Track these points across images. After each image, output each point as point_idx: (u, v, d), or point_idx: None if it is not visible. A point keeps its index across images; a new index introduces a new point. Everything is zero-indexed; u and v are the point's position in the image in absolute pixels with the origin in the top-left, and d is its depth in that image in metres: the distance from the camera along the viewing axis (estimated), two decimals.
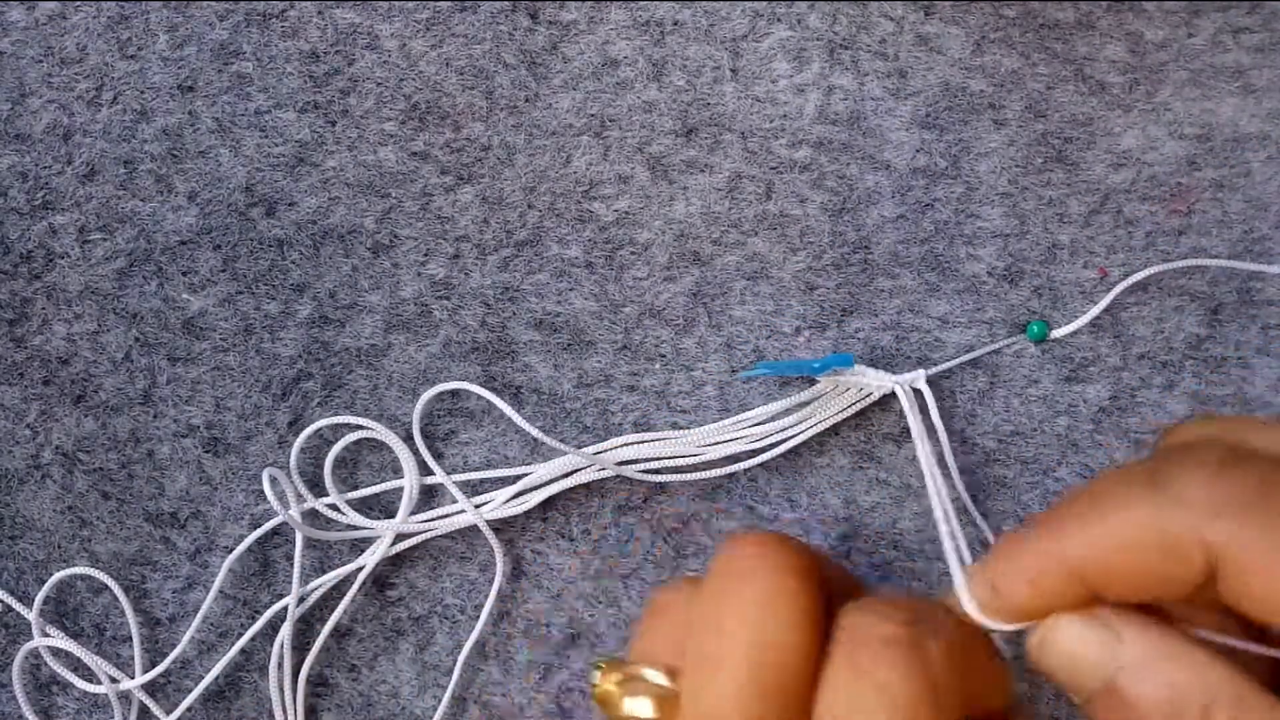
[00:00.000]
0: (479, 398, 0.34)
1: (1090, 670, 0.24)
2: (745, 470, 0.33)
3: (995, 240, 0.33)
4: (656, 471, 0.33)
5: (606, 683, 0.27)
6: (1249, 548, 0.22)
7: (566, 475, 0.33)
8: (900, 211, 0.33)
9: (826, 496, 0.33)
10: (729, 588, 0.25)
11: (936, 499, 0.30)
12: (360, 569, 0.34)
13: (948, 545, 0.28)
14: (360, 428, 0.34)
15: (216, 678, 0.34)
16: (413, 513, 0.34)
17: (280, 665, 0.34)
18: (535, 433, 0.31)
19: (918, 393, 0.32)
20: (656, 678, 0.26)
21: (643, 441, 0.33)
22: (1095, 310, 0.32)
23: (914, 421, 0.31)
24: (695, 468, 0.33)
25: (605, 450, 0.33)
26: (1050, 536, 0.24)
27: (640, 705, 0.26)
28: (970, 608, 0.26)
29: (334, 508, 0.34)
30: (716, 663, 0.24)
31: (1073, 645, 0.24)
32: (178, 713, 0.34)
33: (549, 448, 0.34)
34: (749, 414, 0.33)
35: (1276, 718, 0.22)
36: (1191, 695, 0.23)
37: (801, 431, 0.33)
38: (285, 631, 0.33)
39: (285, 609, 0.34)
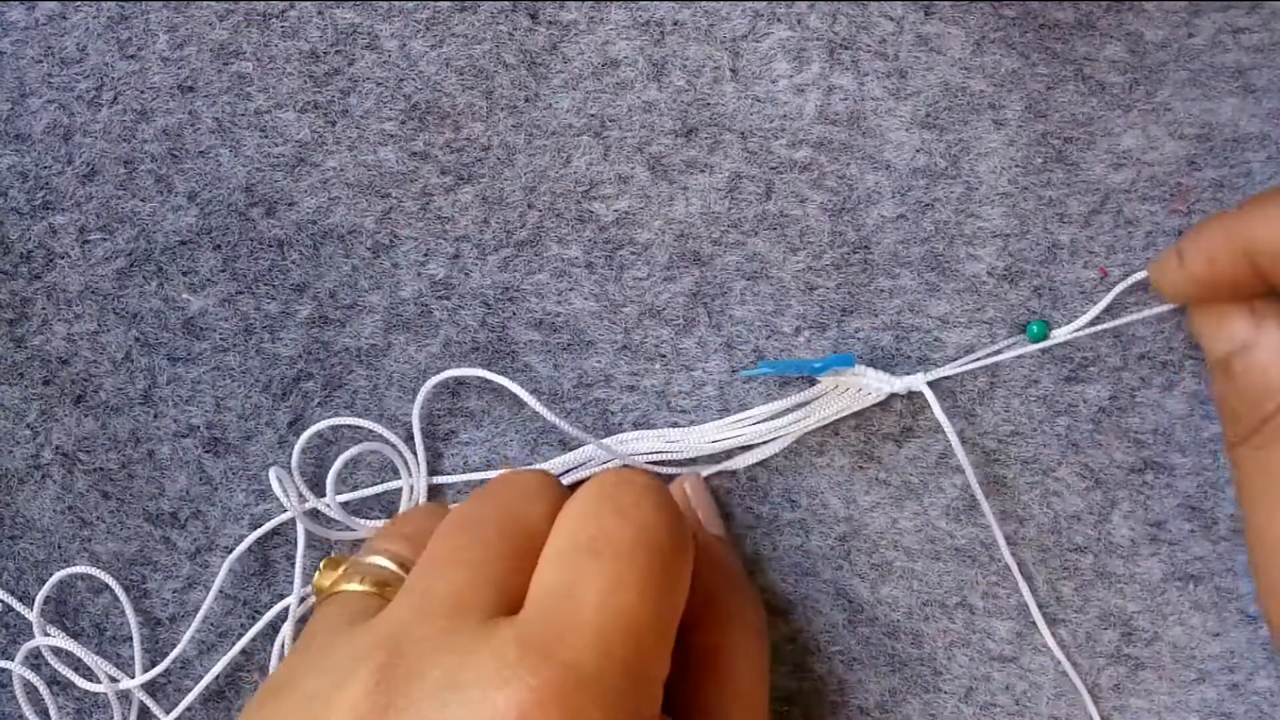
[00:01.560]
0: (479, 398, 0.34)
1: (1222, 338, 0.28)
2: (746, 470, 0.33)
3: (995, 240, 0.33)
4: (671, 464, 0.33)
5: (325, 577, 0.27)
6: None
7: (578, 467, 0.33)
8: (900, 211, 0.33)
9: (826, 496, 0.33)
10: (486, 490, 0.26)
11: (973, 478, 0.30)
12: None
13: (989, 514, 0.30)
14: (360, 429, 0.34)
15: (216, 678, 0.34)
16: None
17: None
18: (555, 419, 0.31)
19: (916, 395, 0.32)
20: (381, 561, 0.26)
21: (647, 440, 0.33)
22: (1095, 310, 0.32)
23: (940, 415, 0.31)
24: (707, 459, 0.33)
25: (620, 444, 0.33)
26: (1236, 219, 0.27)
27: (355, 585, 0.26)
28: (1166, 271, 0.29)
29: (333, 507, 0.34)
30: (466, 524, 0.25)
31: (1219, 315, 0.28)
32: (177, 712, 0.34)
33: (548, 448, 0.34)
34: (749, 413, 0.33)
35: None
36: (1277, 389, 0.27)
37: (804, 427, 0.33)
38: (286, 631, 0.33)
39: (286, 609, 0.34)
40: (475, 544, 0.24)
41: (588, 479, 0.33)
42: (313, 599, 0.34)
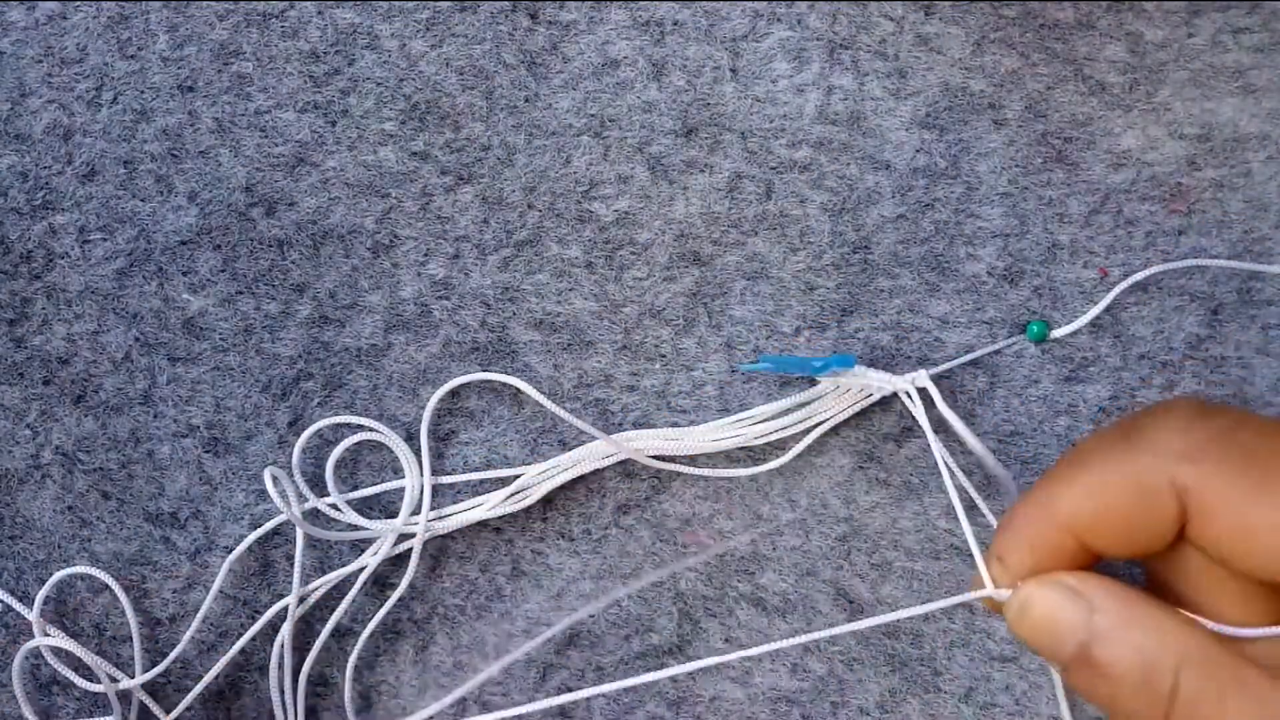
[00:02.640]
0: (479, 398, 0.34)
1: (1065, 638, 0.25)
2: (744, 468, 0.33)
3: (995, 240, 0.33)
4: (677, 459, 0.33)
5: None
6: (1214, 488, 0.24)
7: (569, 468, 0.33)
8: (900, 211, 0.33)
9: (826, 496, 0.33)
10: None
11: (952, 489, 0.30)
12: (361, 569, 0.34)
13: (968, 532, 0.28)
14: (361, 428, 0.34)
15: (216, 677, 0.34)
16: (413, 513, 0.34)
17: (280, 665, 0.34)
18: (568, 417, 0.31)
19: (923, 391, 0.32)
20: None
21: (647, 438, 0.33)
22: (1095, 310, 0.32)
23: (922, 418, 0.31)
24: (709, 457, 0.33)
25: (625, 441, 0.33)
26: (1039, 498, 0.26)
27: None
28: (989, 587, 0.26)
29: (335, 507, 0.34)
30: None
31: (1047, 614, 0.25)
32: (176, 712, 0.34)
33: (548, 448, 0.34)
34: (750, 412, 0.33)
35: (1244, 675, 0.23)
36: (1163, 659, 0.23)
37: (808, 429, 0.33)
38: (285, 631, 0.33)
39: (285, 609, 0.34)
40: None
41: (589, 474, 0.34)
42: (316, 593, 0.34)
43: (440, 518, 0.34)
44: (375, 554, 0.34)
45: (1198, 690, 0.23)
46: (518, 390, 0.34)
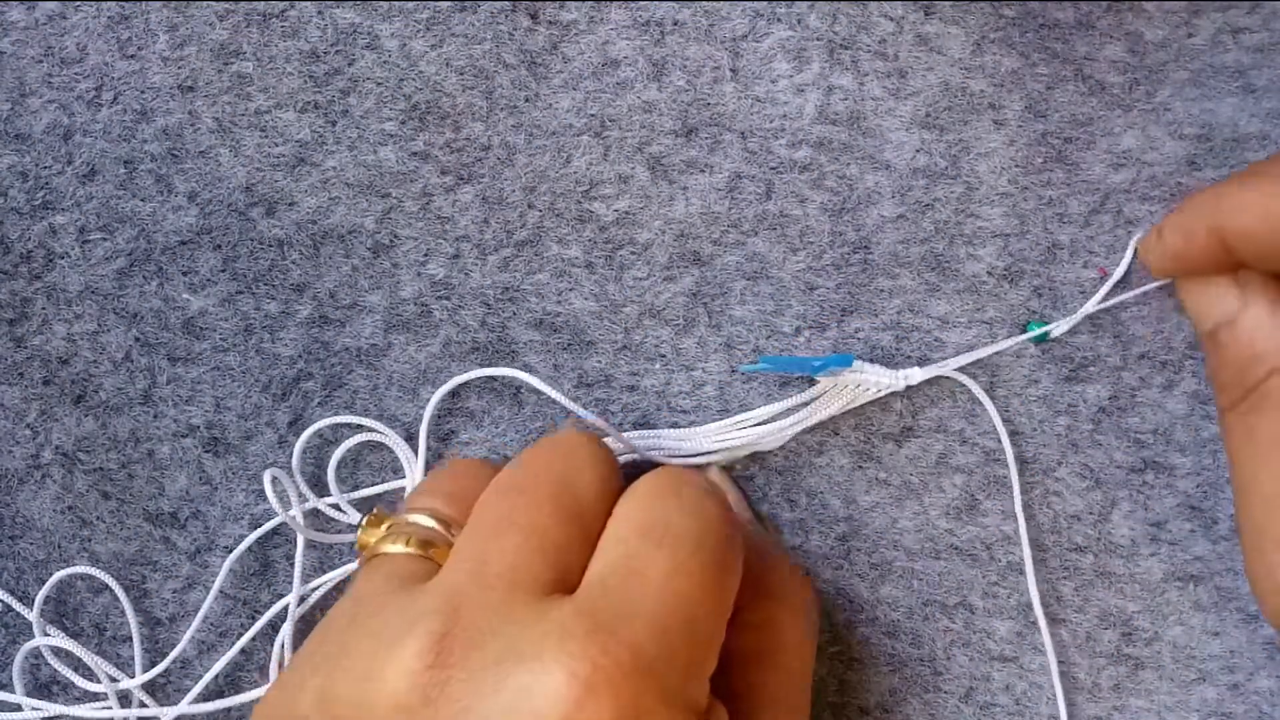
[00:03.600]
0: (479, 398, 0.34)
1: (1208, 312, 0.29)
2: (743, 468, 0.33)
3: (995, 240, 0.33)
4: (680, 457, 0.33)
5: (369, 534, 0.26)
6: None
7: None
8: (900, 211, 0.33)
9: (826, 496, 0.33)
10: (534, 451, 0.26)
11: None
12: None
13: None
14: (362, 427, 0.34)
15: (216, 677, 0.34)
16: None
17: (280, 665, 0.34)
18: (579, 409, 0.31)
19: (915, 394, 0.32)
20: (426, 521, 0.26)
21: (649, 440, 0.33)
22: (1090, 305, 0.32)
23: (979, 393, 0.31)
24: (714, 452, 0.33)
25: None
26: (1211, 197, 0.28)
27: (400, 546, 0.26)
28: (1141, 251, 0.31)
29: (336, 507, 0.34)
30: (519, 489, 0.25)
31: (1205, 289, 0.29)
32: (176, 711, 0.34)
33: None
34: (752, 414, 0.33)
35: None
36: (1269, 352, 0.28)
37: (805, 424, 0.33)
38: (286, 631, 0.33)
39: (285, 609, 0.34)
40: (529, 511, 0.24)
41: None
42: (316, 593, 0.34)
43: None
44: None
45: (1273, 388, 0.28)
46: (518, 390, 0.34)
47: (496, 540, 0.24)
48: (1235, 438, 0.29)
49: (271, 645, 0.34)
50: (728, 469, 0.33)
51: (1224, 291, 0.29)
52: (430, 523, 0.26)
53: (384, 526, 0.27)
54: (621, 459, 0.33)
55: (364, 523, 0.27)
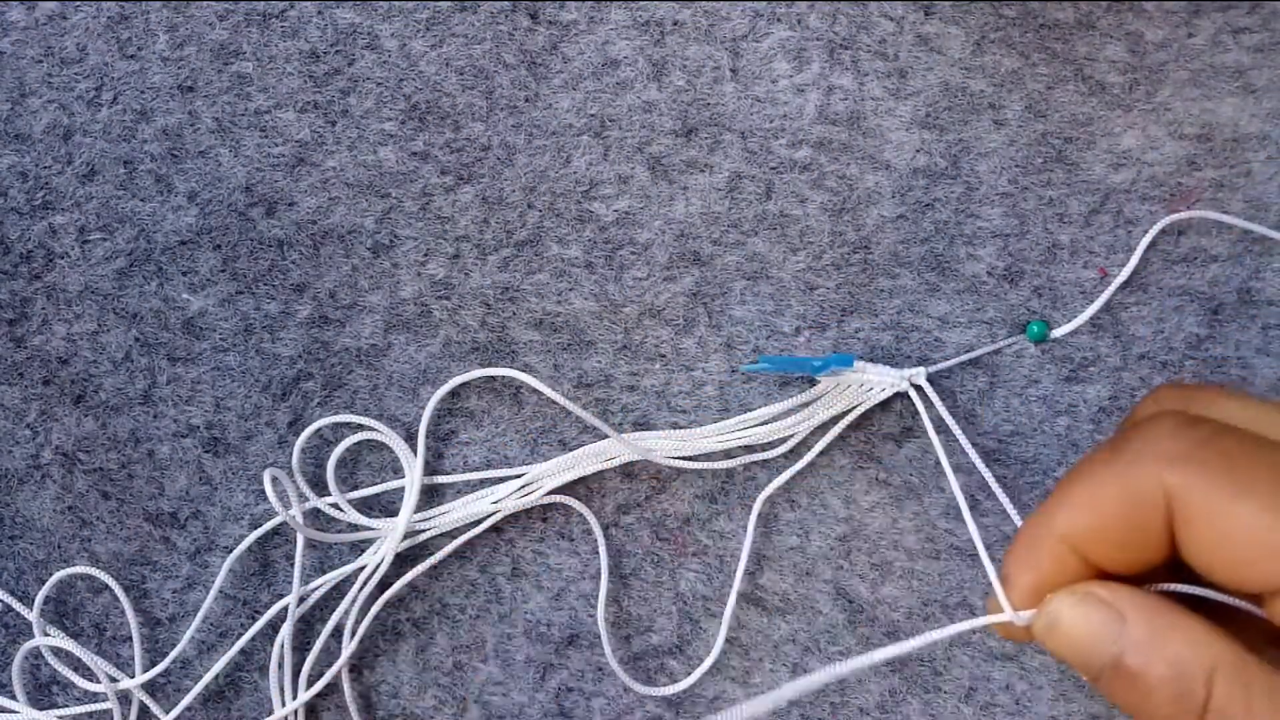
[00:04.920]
0: (479, 398, 0.34)
1: (1096, 650, 0.25)
2: (744, 469, 0.33)
3: (995, 240, 0.33)
4: (679, 459, 0.33)
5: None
6: (1196, 492, 0.24)
7: (559, 475, 0.33)
8: (900, 211, 0.33)
9: (826, 496, 0.33)
10: None
11: (960, 495, 0.30)
12: (362, 569, 0.34)
13: (979, 544, 0.29)
14: (362, 427, 0.34)
15: (216, 677, 0.34)
16: (415, 512, 0.34)
17: (280, 665, 0.34)
18: (580, 411, 0.31)
19: (919, 389, 0.32)
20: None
21: (650, 440, 0.33)
22: (1094, 307, 0.32)
23: (925, 412, 0.31)
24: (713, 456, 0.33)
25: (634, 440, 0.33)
26: (1039, 518, 0.26)
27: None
28: (1006, 608, 0.26)
29: (336, 507, 0.34)
30: None
31: (1077, 627, 0.25)
32: (176, 711, 0.34)
33: (548, 447, 0.34)
34: (752, 414, 0.33)
35: (1274, 681, 0.23)
36: (1196, 668, 0.24)
37: (814, 429, 0.33)
38: (285, 631, 0.33)
39: (285, 609, 0.34)
40: None
41: (590, 474, 0.34)
42: (316, 593, 0.34)
43: (431, 516, 0.34)
44: (376, 553, 0.34)
45: (1230, 697, 0.23)
46: (518, 390, 0.34)
47: None
48: None
49: (271, 645, 0.34)
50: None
51: (1096, 617, 0.25)
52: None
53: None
54: (612, 461, 0.33)
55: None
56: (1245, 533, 0.23)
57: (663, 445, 0.33)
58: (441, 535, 0.34)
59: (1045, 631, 0.26)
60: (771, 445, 0.33)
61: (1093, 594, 0.25)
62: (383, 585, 0.34)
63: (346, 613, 0.34)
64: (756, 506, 0.33)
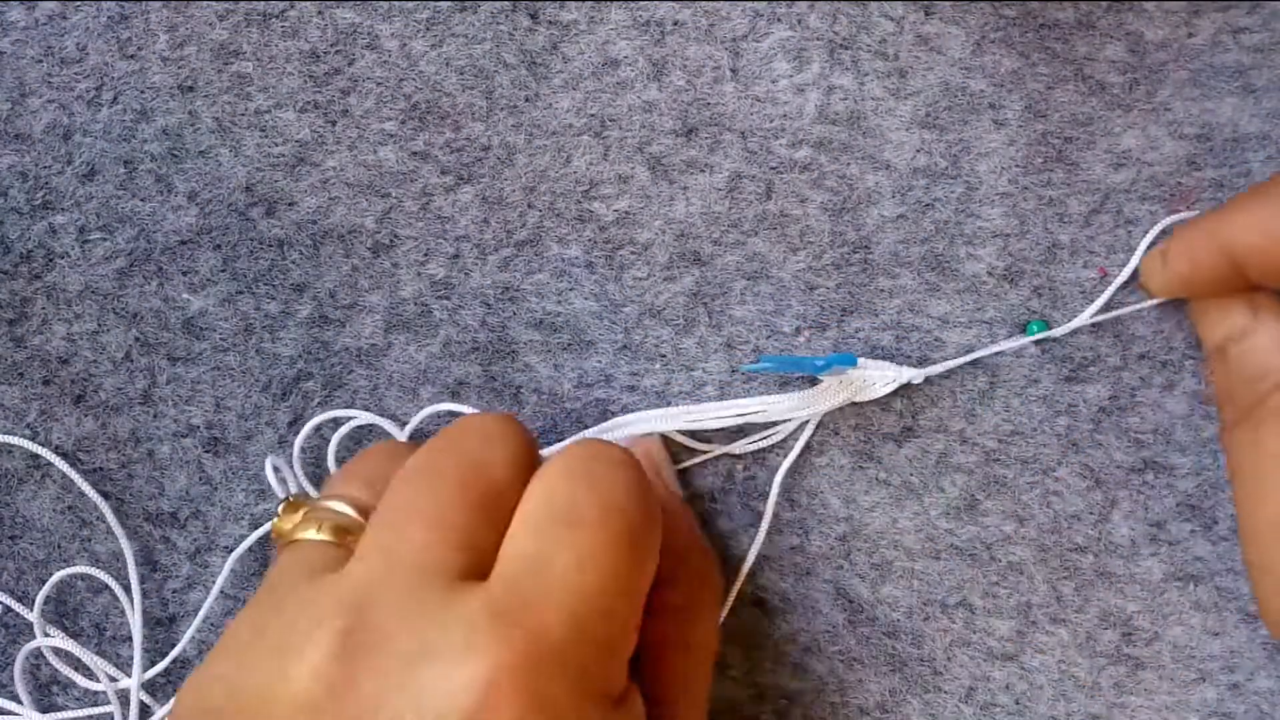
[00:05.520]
0: (479, 398, 0.34)
1: (1218, 327, 0.30)
2: (744, 469, 0.33)
3: (995, 240, 0.33)
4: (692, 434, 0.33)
5: (286, 520, 0.26)
6: None
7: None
8: (900, 211, 0.33)
9: (826, 496, 0.33)
10: (445, 435, 0.25)
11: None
12: None
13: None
14: (362, 425, 0.34)
15: None
16: None
17: None
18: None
19: (915, 394, 0.32)
20: (341, 507, 0.26)
21: (651, 418, 0.33)
22: (1094, 307, 0.32)
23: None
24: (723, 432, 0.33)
25: (618, 425, 0.33)
26: (1215, 219, 0.28)
27: (312, 532, 0.25)
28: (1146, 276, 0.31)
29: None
30: (427, 473, 0.24)
31: (1218, 305, 0.30)
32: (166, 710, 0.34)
33: (547, 447, 0.34)
34: (751, 399, 0.33)
35: None
36: (1273, 369, 0.28)
37: (809, 414, 0.33)
38: None
39: None
40: (437, 496, 0.24)
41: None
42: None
43: None
44: None
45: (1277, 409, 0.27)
46: (518, 389, 0.34)
47: (404, 528, 0.23)
48: (1240, 456, 0.29)
49: None
50: (666, 440, 0.33)
51: (1236, 308, 0.29)
52: (345, 509, 0.26)
53: (300, 513, 0.27)
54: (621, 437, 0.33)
55: (280, 509, 0.27)
56: None
57: (659, 424, 0.33)
58: None
59: (1196, 308, 0.30)
60: (771, 428, 0.33)
61: (1250, 297, 0.29)
62: None
63: None
64: (773, 496, 0.33)
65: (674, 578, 0.27)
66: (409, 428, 0.34)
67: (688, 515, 0.31)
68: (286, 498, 0.28)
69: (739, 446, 0.33)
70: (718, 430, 0.33)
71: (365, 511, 0.26)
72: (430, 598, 0.22)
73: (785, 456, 0.33)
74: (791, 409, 0.32)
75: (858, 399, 0.32)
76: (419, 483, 0.24)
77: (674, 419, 0.33)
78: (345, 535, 0.26)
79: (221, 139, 0.35)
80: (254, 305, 0.35)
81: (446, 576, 0.23)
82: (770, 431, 0.33)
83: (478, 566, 0.23)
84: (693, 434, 0.33)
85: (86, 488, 0.34)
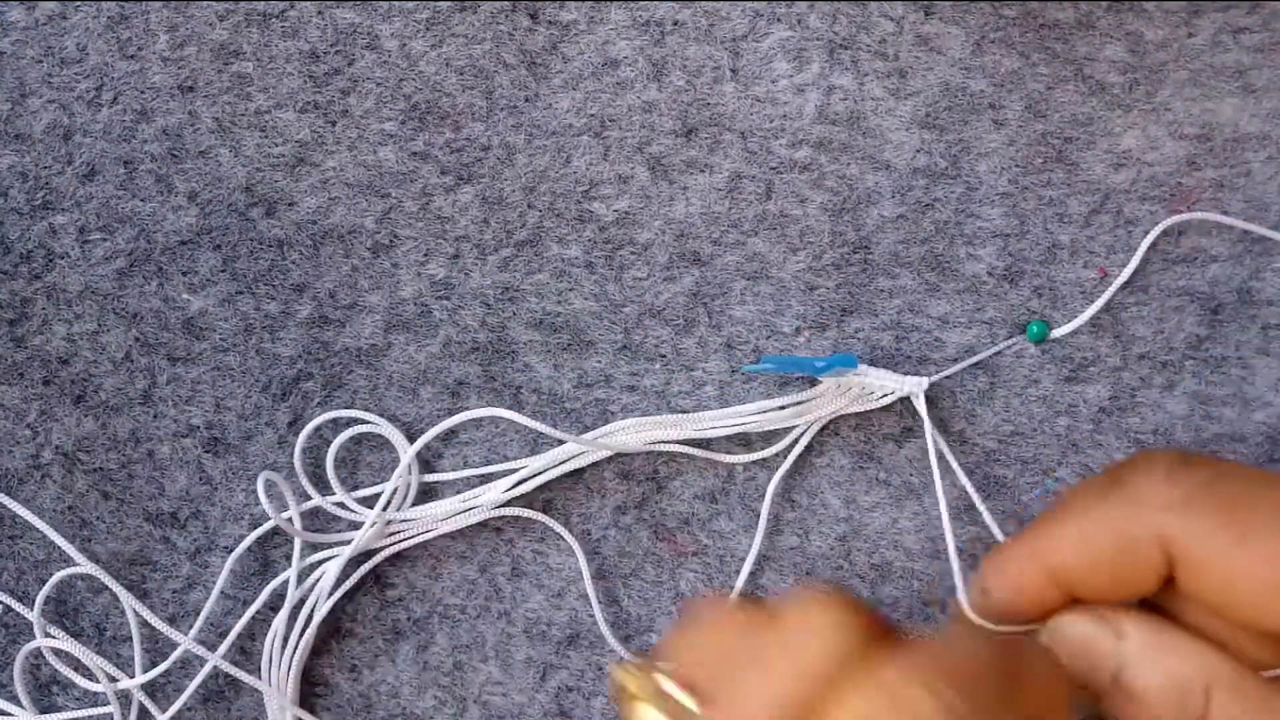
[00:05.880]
0: (479, 398, 0.34)
1: (1097, 665, 0.25)
2: (745, 469, 0.33)
3: (995, 240, 0.33)
4: (668, 442, 0.33)
5: (630, 682, 0.26)
6: (1200, 541, 0.24)
7: (563, 461, 0.33)
8: (900, 211, 0.33)
9: (826, 496, 0.33)
10: (788, 636, 0.24)
11: (944, 506, 0.30)
12: (361, 565, 0.34)
13: (953, 555, 0.29)
14: (363, 421, 0.34)
15: (216, 677, 0.35)
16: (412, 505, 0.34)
17: (270, 659, 0.34)
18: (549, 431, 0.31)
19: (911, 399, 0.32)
20: (683, 698, 0.26)
21: (646, 426, 0.33)
22: (1094, 307, 0.32)
23: (927, 425, 0.31)
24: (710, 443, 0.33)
25: (609, 434, 0.33)
26: (1028, 543, 0.26)
27: (656, 709, 0.26)
28: (970, 614, 0.27)
29: (341, 505, 0.34)
30: (753, 691, 0.24)
31: (1078, 643, 0.26)
32: (173, 710, 0.34)
33: (547, 447, 0.34)
34: (750, 405, 0.33)
35: (1268, 694, 0.24)
36: (1193, 680, 0.24)
37: (808, 427, 0.33)
38: (280, 621, 0.33)
39: (279, 599, 0.34)
40: (763, 699, 0.23)
41: (589, 475, 0.34)
42: (316, 594, 0.34)
43: (409, 518, 0.34)
44: (351, 543, 0.34)
45: (1227, 711, 0.24)
46: (518, 389, 0.34)
47: None
48: None
49: (273, 645, 0.34)
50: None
51: (1097, 638, 0.26)
52: (685, 699, 0.26)
53: (643, 679, 0.27)
54: (608, 452, 0.33)
55: (627, 667, 0.27)
56: (1251, 579, 0.23)
57: (656, 433, 0.33)
58: (432, 532, 0.34)
59: (1048, 645, 0.26)
60: (769, 439, 0.33)
61: (1094, 610, 0.25)
62: (382, 585, 0.34)
63: (348, 614, 0.34)
64: (767, 500, 0.33)
65: None
66: (418, 445, 0.34)
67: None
68: (632, 664, 0.27)
69: (740, 459, 0.33)
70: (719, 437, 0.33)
71: (700, 700, 0.26)
72: None
73: (784, 459, 0.33)
74: (791, 417, 0.32)
75: (858, 408, 0.32)
76: (749, 669, 0.24)
77: (673, 427, 0.33)
78: (681, 714, 0.26)
79: (221, 139, 0.35)
80: (254, 305, 0.35)
81: None
82: (773, 448, 0.33)
83: None
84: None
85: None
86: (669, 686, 0.26)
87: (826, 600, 0.25)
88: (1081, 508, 0.26)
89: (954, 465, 0.32)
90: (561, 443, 0.33)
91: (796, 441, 0.33)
